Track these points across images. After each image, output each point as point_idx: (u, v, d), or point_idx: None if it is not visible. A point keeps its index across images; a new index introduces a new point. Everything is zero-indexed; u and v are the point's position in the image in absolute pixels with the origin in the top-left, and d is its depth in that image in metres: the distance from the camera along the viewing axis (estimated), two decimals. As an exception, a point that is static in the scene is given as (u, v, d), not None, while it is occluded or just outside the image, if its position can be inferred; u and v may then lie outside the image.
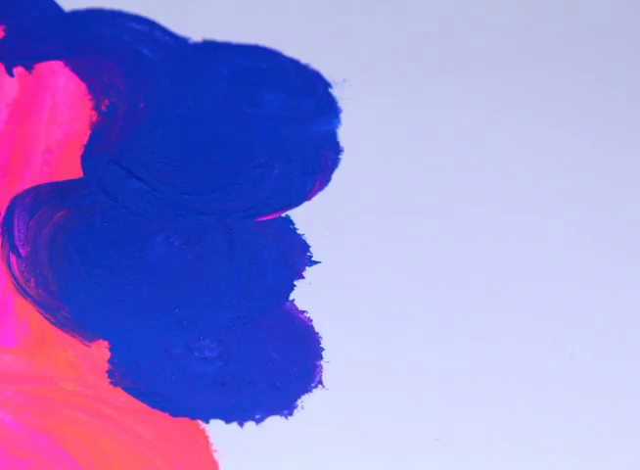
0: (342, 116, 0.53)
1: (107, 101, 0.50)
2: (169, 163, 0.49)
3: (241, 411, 0.44)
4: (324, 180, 0.51)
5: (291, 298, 0.47)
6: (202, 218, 0.48)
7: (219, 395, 0.45)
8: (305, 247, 0.48)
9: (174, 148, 0.50)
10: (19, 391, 0.43)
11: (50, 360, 0.43)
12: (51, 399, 0.43)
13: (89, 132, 0.50)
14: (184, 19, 0.54)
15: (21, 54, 0.51)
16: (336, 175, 0.52)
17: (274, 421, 0.43)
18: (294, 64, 0.53)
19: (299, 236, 0.48)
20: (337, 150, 0.51)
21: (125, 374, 0.43)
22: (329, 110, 0.53)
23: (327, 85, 0.54)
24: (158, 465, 0.42)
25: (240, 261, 0.47)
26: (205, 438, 0.43)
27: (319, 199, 0.51)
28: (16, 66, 0.51)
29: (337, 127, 0.53)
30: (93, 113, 0.50)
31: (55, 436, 0.42)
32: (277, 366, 0.45)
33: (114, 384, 0.42)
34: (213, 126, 0.51)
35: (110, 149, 0.49)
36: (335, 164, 0.51)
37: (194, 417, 0.43)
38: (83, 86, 0.50)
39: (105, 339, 0.44)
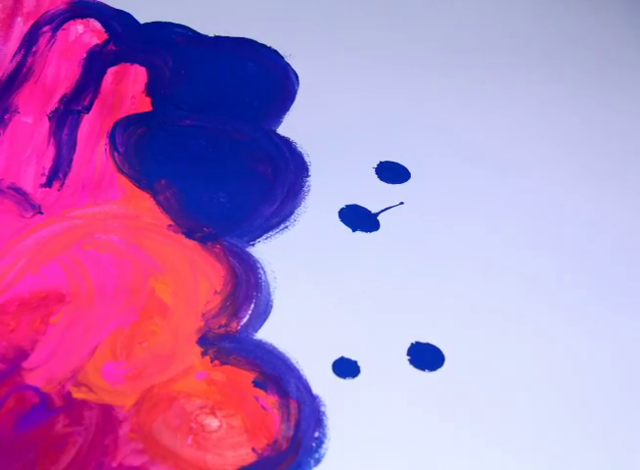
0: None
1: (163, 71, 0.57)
2: (197, 100, 0.56)
3: (245, 228, 0.50)
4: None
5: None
6: (214, 129, 0.55)
7: (229, 216, 0.51)
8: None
9: (199, 92, 0.56)
10: (120, 223, 0.50)
11: (137, 206, 0.51)
12: (138, 227, 0.50)
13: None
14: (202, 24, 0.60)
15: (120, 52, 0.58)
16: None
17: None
18: (265, 47, 0.59)
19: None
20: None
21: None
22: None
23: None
24: (202, 264, 0.48)
25: (236, 153, 0.54)
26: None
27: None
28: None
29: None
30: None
31: (141, 246, 0.49)
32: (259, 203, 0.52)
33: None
34: (219, 82, 0.57)
35: (165, 95, 0.56)
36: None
37: (215, 236, 0.49)
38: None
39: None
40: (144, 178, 0.52)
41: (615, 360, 0.47)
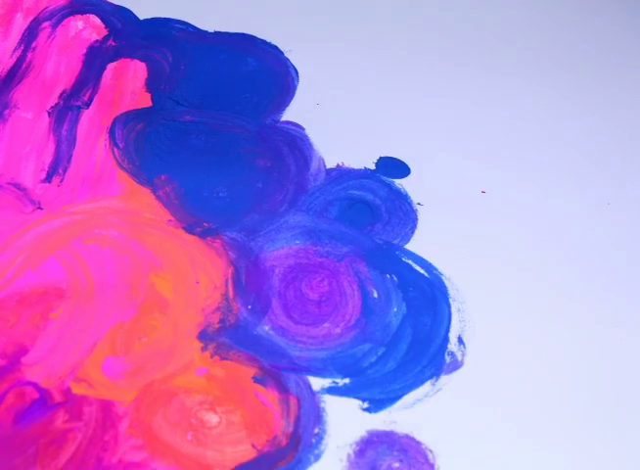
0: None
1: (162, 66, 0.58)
2: (196, 96, 0.57)
3: (245, 222, 0.50)
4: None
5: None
6: (214, 124, 0.55)
7: (229, 211, 0.51)
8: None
9: (199, 88, 0.57)
10: (120, 218, 0.50)
11: (137, 202, 0.51)
12: (138, 223, 0.50)
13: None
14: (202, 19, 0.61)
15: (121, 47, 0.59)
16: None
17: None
18: (265, 43, 0.60)
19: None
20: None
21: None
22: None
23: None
24: (201, 260, 0.49)
25: (236, 148, 0.54)
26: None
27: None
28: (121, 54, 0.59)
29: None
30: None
31: (140, 241, 0.49)
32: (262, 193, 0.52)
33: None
34: (219, 77, 0.58)
35: (165, 90, 0.57)
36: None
37: (215, 231, 0.49)
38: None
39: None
40: (143, 174, 0.52)
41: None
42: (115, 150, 0.53)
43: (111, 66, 0.58)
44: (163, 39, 0.59)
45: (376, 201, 0.52)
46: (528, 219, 0.52)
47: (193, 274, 0.48)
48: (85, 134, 0.54)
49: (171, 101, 0.56)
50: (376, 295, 0.49)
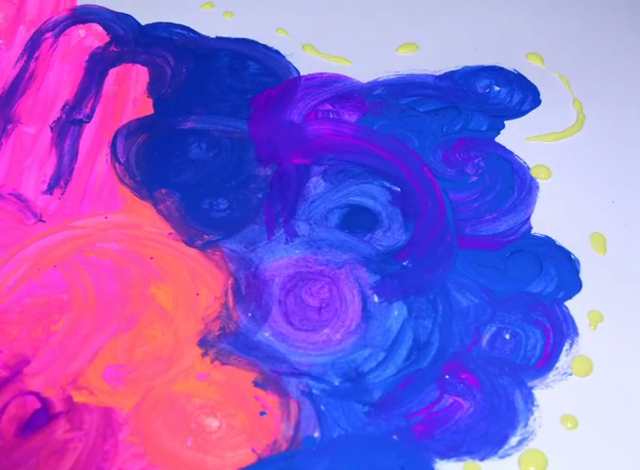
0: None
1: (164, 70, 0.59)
2: (198, 101, 0.57)
3: (245, 233, 0.51)
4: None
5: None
6: (215, 131, 0.56)
7: (229, 223, 0.52)
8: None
9: (201, 93, 0.58)
10: (122, 232, 0.51)
11: (138, 215, 0.52)
12: (138, 236, 0.51)
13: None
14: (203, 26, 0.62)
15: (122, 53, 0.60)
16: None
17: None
18: (265, 47, 0.61)
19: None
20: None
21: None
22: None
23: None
24: (202, 272, 0.50)
25: (237, 157, 0.55)
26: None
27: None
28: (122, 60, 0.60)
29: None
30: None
31: (140, 254, 0.50)
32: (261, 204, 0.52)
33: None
34: (221, 81, 0.59)
35: (167, 95, 0.58)
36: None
37: (215, 243, 0.50)
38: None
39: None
40: (144, 189, 0.54)
41: None
42: (117, 165, 0.55)
43: (112, 71, 0.59)
44: (165, 44, 0.61)
45: (377, 207, 0.54)
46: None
47: (193, 286, 0.50)
48: (87, 148, 0.55)
49: (173, 106, 0.57)
50: (376, 299, 0.50)
